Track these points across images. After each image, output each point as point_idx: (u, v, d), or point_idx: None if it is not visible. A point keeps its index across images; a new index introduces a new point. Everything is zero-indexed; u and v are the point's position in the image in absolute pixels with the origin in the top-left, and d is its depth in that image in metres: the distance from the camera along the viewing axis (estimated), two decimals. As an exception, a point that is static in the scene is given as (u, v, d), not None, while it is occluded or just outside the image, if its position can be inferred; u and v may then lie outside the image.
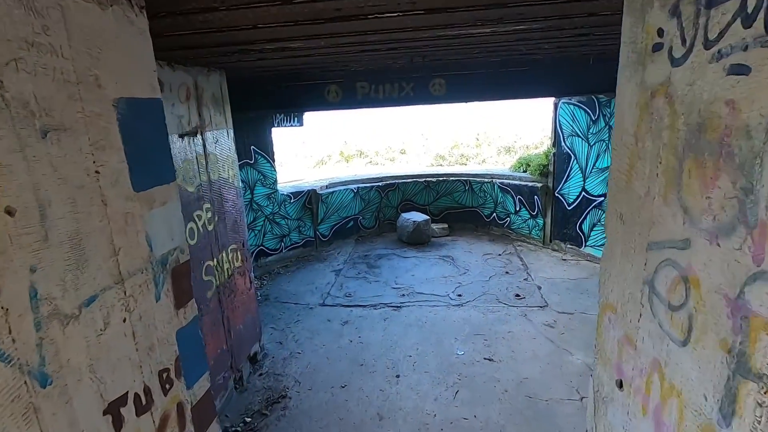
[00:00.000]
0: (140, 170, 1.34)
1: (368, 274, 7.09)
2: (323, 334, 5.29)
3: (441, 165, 10.90)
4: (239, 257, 4.31)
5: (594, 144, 6.77)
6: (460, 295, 6.13)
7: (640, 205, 1.11)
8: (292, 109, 5.58)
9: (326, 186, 8.47)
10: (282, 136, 15.58)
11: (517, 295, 6.03)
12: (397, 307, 5.89)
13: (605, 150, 6.62)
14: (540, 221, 7.89)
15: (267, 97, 5.56)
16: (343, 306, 6.00)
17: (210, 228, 3.75)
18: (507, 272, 6.88)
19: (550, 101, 7.38)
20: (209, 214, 3.74)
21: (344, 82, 5.29)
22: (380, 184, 9.06)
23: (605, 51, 4.53)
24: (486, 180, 8.83)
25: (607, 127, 6.53)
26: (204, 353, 1.73)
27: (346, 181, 8.87)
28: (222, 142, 3.99)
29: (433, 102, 5.28)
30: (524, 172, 8.51)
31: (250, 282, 4.57)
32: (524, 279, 6.59)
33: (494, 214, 8.85)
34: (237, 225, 4.27)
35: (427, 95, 5.22)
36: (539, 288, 6.25)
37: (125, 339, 1.26)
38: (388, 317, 5.62)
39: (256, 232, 7.32)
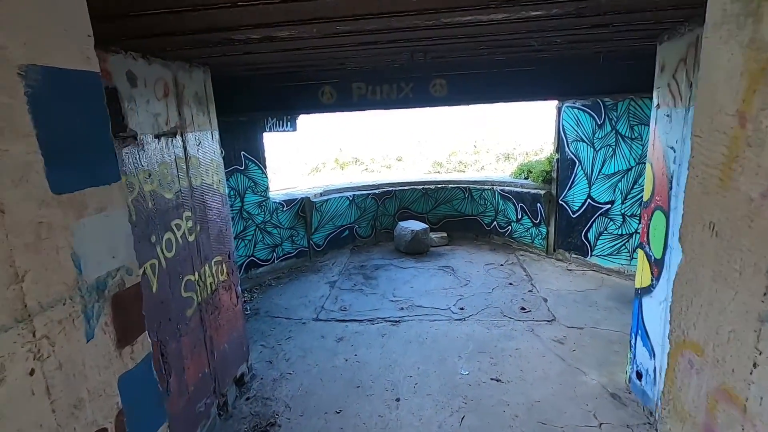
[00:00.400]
0: (64, 165, 1.00)
1: (364, 286, 6.73)
2: (316, 352, 4.91)
3: (439, 172, 10.61)
4: (224, 270, 3.95)
5: (600, 149, 6.50)
6: (462, 309, 5.78)
7: (751, 210, 0.80)
8: (283, 112, 5.27)
9: (320, 193, 8.12)
10: (276, 143, 15.24)
11: (523, 308, 5.69)
12: (396, 321, 5.53)
13: (612, 155, 6.35)
14: (543, 230, 7.59)
15: (256, 99, 5.24)
16: (338, 321, 5.63)
17: (191, 239, 3.40)
18: (510, 283, 6.55)
19: (552, 106, 7.12)
20: (190, 224, 3.39)
21: (339, 82, 4.98)
22: (377, 191, 8.74)
23: (617, 49, 4.25)
24: (486, 187, 8.53)
25: (614, 131, 6.26)
26: (161, 400, 1.37)
27: (341, 189, 8.54)
28: (205, 144, 3.65)
29: (434, 104, 4.98)
30: (526, 178, 8.23)
31: (237, 297, 4.20)
32: (529, 290, 6.26)
33: (495, 222, 8.54)
34: (222, 235, 3.91)
35: (428, 96, 4.92)
36: (545, 300, 5.91)
37: (33, 399, 0.90)
38: (386, 333, 5.26)
39: (247, 242, 6.96)
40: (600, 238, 6.73)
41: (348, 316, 5.73)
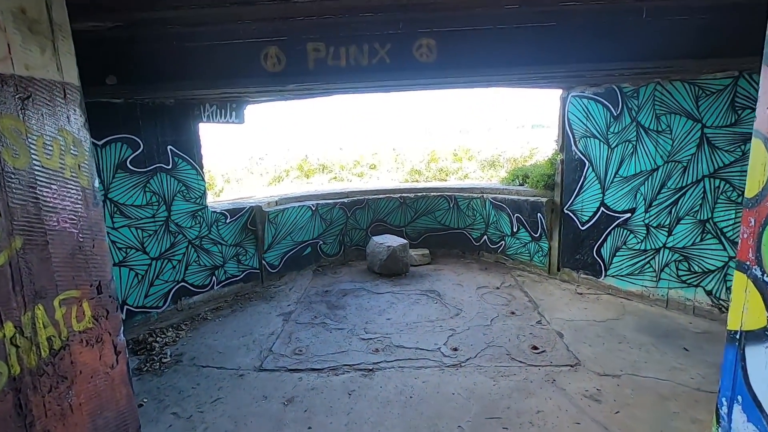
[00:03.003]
0: None
1: (328, 318, 5.25)
2: (253, 423, 3.38)
3: (417, 181, 9.34)
4: (86, 313, 2.41)
5: (616, 146, 5.36)
6: (455, 349, 4.39)
7: None
8: (214, 83, 3.83)
9: (276, 202, 6.64)
10: (235, 152, 13.64)
11: (535, 348, 4.36)
12: (369, 370, 4.07)
13: (631, 153, 5.21)
14: (544, 245, 6.36)
15: (178, 66, 3.78)
16: (290, 371, 4.12)
17: (-5, 263, 1.88)
18: (512, 312, 5.22)
19: (555, 96, 5.99)
20: (-6, 235, 1.87)
21: (287, 41, 3.61)
22: (345, 200, 7.33)
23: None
24: (475, 195, 7.27)
25: (634, 123, 5.13)
26: None
27: (301, 197, 7.09)
28: (44, 102, 2.16)
29: (419, 75, 3.67)
30: (521, 185, 7.03)
31: (116, 353, 2.65)
32: (537, 322, 4.95)
33: (485, 236, 7.27)
34: (83, 255, 2.39)
35: (411, 63, 3.61)
36: (560, 335, 4.61)
37: None
38: (354, 389, 3.79)
39: (175, 263, 5.37)
40: (617, 254, 5.53)
41: (304, 363, 4.23)
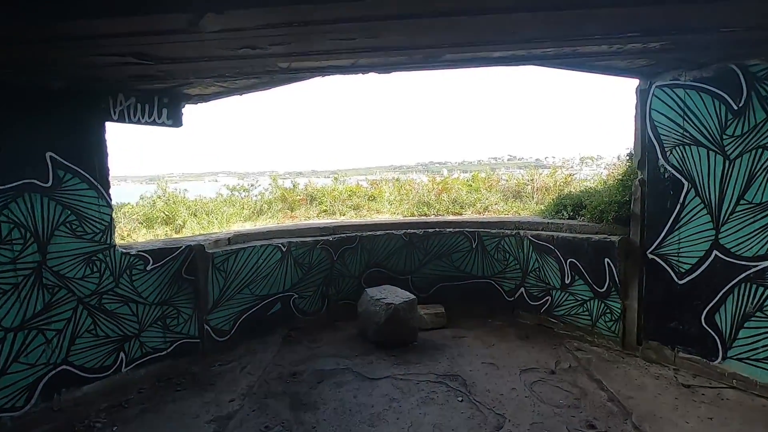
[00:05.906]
0: None
1: (289, 428, 3.20)
2: None
3: (425, 214, 7.47)
4: None
5: (738, 156, 3.48)
6: None
7: None
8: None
9: (228, 240, 4.74)
10: (209, 181, 11.89)
11: None
12: None
13: (768, 166, 3.32)
14: (615, 304, 4.36)
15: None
16: None
17: None
18: (591, 425, 3.16)
19: (630, 88, 4.21)
20: None
21: None
22: (330, 238, 5.41)
23: None
24: (507, 231, 5.34)
25: (773, 119, 3.28)
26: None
27: (267, 232, 5.18)
28: None
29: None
30: (571, 218, 5.12)
31: None
32: (639, 447, 2.88)
33: (522, 289, 5.27)
34: None
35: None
36: (695, 484, 2.53)
37: None
38: None
39: (50, 335, 3.42)
40: (745, 325, 3.52)
41: None
